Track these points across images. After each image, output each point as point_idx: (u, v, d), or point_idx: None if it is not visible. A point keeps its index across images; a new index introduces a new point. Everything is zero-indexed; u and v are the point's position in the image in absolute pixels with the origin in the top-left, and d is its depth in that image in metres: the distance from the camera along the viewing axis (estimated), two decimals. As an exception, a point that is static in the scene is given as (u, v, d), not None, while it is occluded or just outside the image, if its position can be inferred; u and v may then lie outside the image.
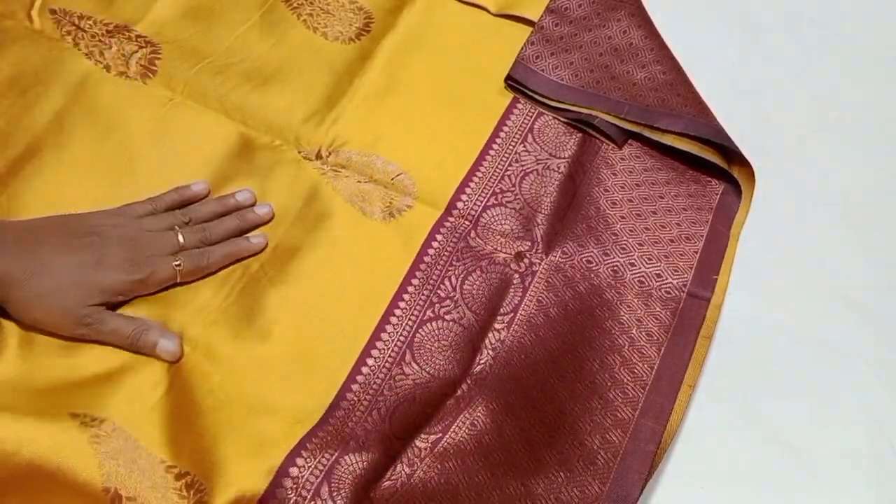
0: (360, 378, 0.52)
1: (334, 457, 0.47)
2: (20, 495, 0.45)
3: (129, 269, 0.50)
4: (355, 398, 0.51)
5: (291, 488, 0.46)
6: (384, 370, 0.52)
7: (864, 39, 0.77)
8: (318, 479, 0.46)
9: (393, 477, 0.48)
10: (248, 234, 0.57)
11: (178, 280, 0.53)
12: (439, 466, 0.49)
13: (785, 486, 0.52)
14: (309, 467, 0.47)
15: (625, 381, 0.53)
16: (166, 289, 0.53)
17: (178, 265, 0.52)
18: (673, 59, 0.68)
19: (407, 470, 0.49)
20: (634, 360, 0.54)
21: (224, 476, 0.46)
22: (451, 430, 0.51)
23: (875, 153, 0.70)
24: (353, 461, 0.47)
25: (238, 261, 0.56)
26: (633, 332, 0.55)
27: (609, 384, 0.53)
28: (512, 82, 0.68)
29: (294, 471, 0.46)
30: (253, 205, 0.58)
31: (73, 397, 0.48)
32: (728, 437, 0.54)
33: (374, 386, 0.51)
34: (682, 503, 0.52)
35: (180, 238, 0.53)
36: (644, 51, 0.68)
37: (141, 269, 0.51)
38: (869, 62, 0.75)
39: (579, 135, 0.66)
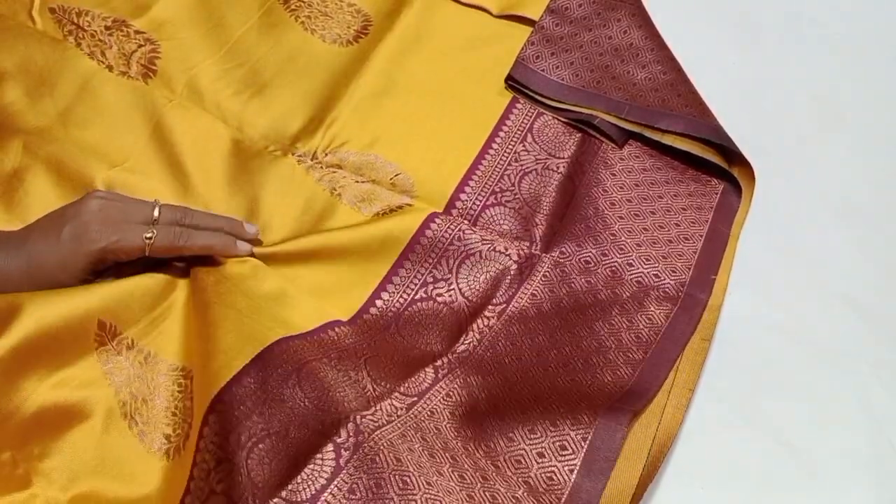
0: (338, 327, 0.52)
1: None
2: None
3: (98, 237, 0.50)
4: (336, 335, 0.51)
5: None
6: (367, 337, 0.53)
7: (864, 39, 0.77)
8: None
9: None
10: (241, 221, 0.56)
11: (148, 253, 0.51)
12: (412, 431, 0.49)
13: (785, 486, 0.52)
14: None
15: (605, 381, 0.53)
16: (156, 267, 0.53)
17: (149, 237, 0.51)
18: (673, 59, 0.68)
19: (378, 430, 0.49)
20: (619, 363, 0.53)
21: None
22: (426, 397, 0.51)
23: (875, 153, 0.69)
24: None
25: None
26: (623, 334, 0.55)
27: (589, 382, 0.52)
28: (512, 82, 0.68)
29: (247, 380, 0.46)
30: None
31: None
32: (728, 437, 0.54)
33: (353, 343, 0.52)
34: (682, 503, 0.52)
35: (156, 212, 0.52)
36: (644, 51, 0.68)
37: (108, 236, 0.50)
38: (869, 62, 0.75)
39: (579, 135, 0.66)
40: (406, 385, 0.51)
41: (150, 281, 0.52)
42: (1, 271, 0.49)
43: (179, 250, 0.53)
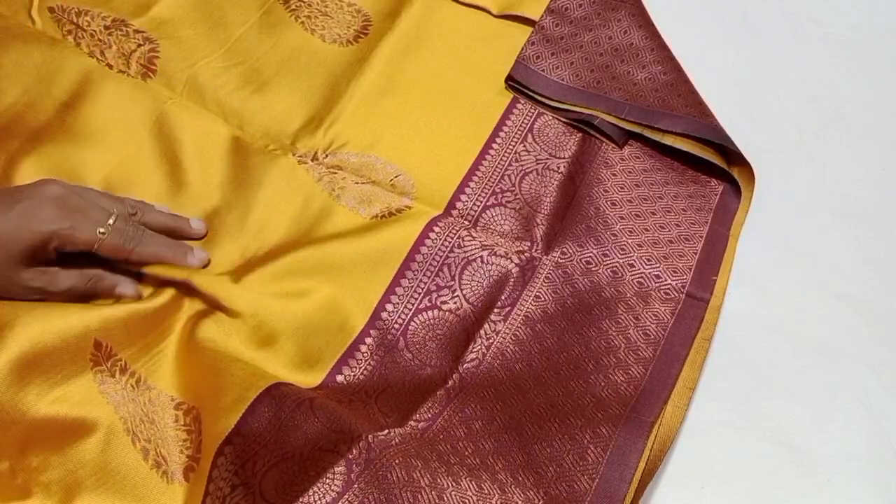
0: (351, 362, 0.52)
1: None
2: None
3: (51, 220, 0.49)
4: (344, 380, 0.51)
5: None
6: (376, 358, 0.53)
7: (864, 39, 0.77)
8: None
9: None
10: (192, 246, 0.56)
11: (96, 248, 0.50)
12: (426, 451, 0.49)
13: (785, 486, 0.52)
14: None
15: (618, 381, 0.53)
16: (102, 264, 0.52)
17: (103, 232, 0.50)
18: (673, 59, 0.68)
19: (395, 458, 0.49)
20: (630, 362, 0.54)
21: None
22: (441, 417, 0.51)
23: (874, 153, 0.69)
24: None
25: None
26: (631, 332, 0.55)
27: (603, 384, 0.52)
28: (512, 82, 0.68)
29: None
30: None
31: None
32: (728, 437, 0.54)
33: (366, 371, 0.52)
34: (681, 503, 0.52)
35: (114, 210, 0.51)
36: (644, 51, 0.68)
37: (63, 221, 0.49)
38: (869, 62, 0.75)
39: (579, 135, 0.66)
40: (419, 413, 0.51)
41: (146, 306, 0.52)
42: None
43: (128, 253, 0.52)
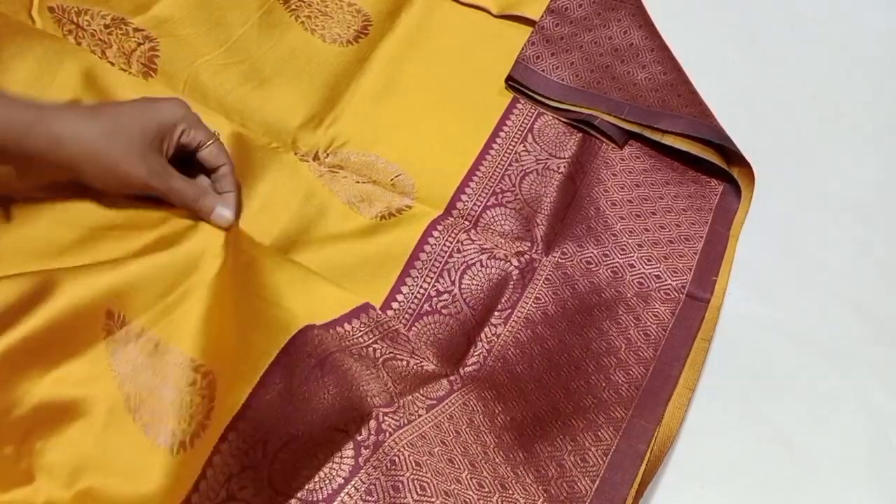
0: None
1: None
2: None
3: (180, 111, 0.53)
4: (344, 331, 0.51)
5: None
6: (381, 343, 0.52)
7: (864, 39, 0.77)
8: None
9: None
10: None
11: (206, 148, 0.54)
12: (432, 433, 0.49)
13: (785, 486, 0.52)
14: None
15: (619, 382, 0.53)
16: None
17: (215, 135, 0.55)
18: (673, 59, 0.68)
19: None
20: (630, 363, 0.54)
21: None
22: (445, 402, 0.51)
23: (875, 153, 0.69)
24: None
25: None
26: (631, 332, 0.55)
27: (604, 385, 0.52)
28: (512, 82, 0.68)
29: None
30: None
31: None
32: (728, 437, 0.54)
33: (371, 342, 0.52)
34: (682, 503, 0.52)
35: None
36: (644, 51, 0.68)
37: (190, 114, 0.54)
38: (869, 62, 0.75)
39: (579, 135, 0.66)
40: (425, 388, 0.51)
41: (163, 261, 0.51)
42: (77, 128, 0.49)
43: (215, 168, 0.55)
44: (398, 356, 0.52)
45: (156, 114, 0.52)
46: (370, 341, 0.51)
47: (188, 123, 0.53)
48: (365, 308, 0.52)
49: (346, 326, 0.51)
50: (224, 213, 0.54)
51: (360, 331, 0.51)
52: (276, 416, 0.44)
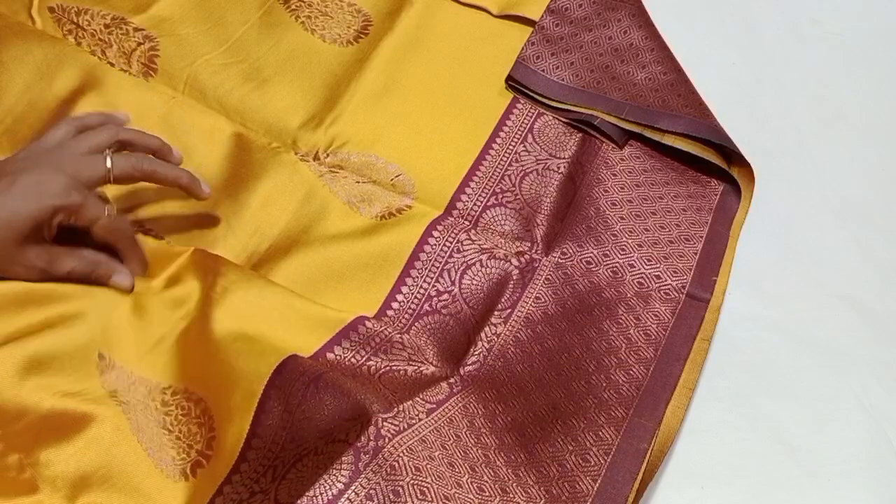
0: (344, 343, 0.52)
1: None
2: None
3: (57, 194, 0.48)
4: (335, 359, 0.51)
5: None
6: (374, 359, 0.52)
7: (864, 39, 0.77)
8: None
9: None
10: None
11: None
12: (432, 437, 0.49)
13: (785, 486, 0.52)
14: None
15: (620, 381, 0.53)
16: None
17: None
18: (673, 59, 0.68)
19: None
20: (631, 362, 0.54)
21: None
22: (444, 406, 0.50)
23: (874, 153, 0.70)
24: None
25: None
26: (631, 332, 0.55)
27: (604, 384, 0.52)
28: (512, 82, 0.68)
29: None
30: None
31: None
32: (728, 437, 0.54)
33: (363, 362, 0.51)
34: (681, 503, 0.52)
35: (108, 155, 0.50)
36: (644, 51, 0.68)
37: (67, 194, 0.48)
38: (869, 62, 0.76)
39: (579, 135, 0.66)
40: (424, 393, 0.50)
41: (147, 302, 0.51)
42: None
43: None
44: (394, 367, 0.51)
45: (26, 205, 0.47)
46: (362, 360, 0.51)
47: (68, 210, 0.48)
48: (353, 325, 0.52)
49: (332, 354, 0.50)
50: (121, 281, 0.52)
51: (350, 352, 0.51)
52: (283, 440, 0.44)
